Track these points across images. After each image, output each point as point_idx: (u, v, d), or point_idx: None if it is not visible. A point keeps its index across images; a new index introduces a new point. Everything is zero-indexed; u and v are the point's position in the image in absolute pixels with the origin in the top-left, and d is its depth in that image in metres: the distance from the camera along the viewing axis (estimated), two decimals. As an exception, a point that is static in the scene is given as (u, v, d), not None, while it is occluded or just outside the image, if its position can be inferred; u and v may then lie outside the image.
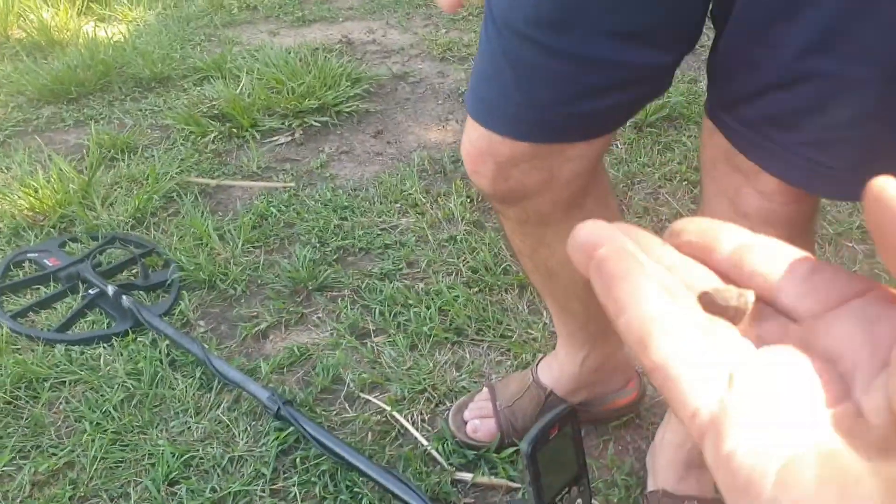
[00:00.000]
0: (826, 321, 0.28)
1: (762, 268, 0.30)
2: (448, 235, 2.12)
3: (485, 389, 1.57)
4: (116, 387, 1.72)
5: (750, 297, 0.30)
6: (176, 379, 1.73)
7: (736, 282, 0.31)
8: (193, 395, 1.69)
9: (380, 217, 2.23)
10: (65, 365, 1.78)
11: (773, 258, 0.30)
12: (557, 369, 1.49)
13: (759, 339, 0.29)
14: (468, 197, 2.26)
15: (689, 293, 0.30)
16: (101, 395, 1.70)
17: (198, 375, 1.73)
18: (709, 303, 0.30)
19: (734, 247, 0.31)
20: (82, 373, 1.76)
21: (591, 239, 0.30)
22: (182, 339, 1.78)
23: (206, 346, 1.77)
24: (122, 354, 1.80)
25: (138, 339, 1.84)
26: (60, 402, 1.70)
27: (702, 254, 0.31)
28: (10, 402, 1.70)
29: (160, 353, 1.78)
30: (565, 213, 1.16)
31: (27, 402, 1.71)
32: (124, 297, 1.90)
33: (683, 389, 0.26)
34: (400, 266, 2.03)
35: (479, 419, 1.53)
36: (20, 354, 1.81)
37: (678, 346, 0.27)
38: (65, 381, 1.75)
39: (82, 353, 1.82)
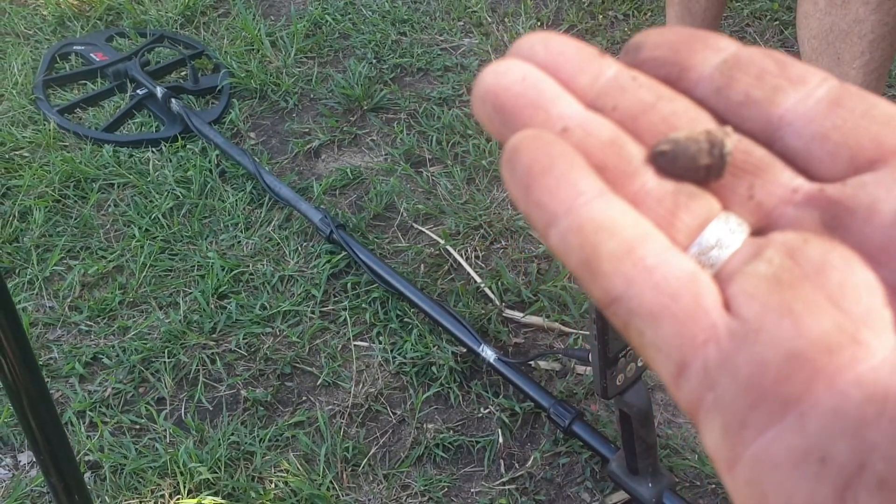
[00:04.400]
0: (864, 188, 0.20)
1: (760, 91, 0.22)
2: (513, 62, 1.98)
3: None
4: (166, 194, 1.68)
5: (728, 141, 0.21)
6: (226, 191, 1.69)
7: (721, 115, 0.22)
8: (244, 209, 1.65)
9: (441, 35, 2.09)
10: (113, 167, 1.73)
11: (778, 77, 0.21)
12: None
13: (758, 211, 0.21)
14: (538, 20, 2.10)
15: (638, 156, 0.22)
16: (150, 202, 1.67)
17: (248, 189, 1.68)
18: (667, 164, 0.21)
19: (719, 62, 0.22)
20: (131, 176, 1.71)
21: (498, 89, 0.22)
22: (233, 150, 1.72)
23: (258, 160, 1.71)
24: (170, 161, 1.75)
25: (188, 145, 1.78)
26: (109, 205, 1.67)
27: (675, 75, 0.23)
28: (58, 201, 1.68)
29: (210, 162, 1.73)
30: None
31: (76, 201, 1.68)
32: (174, 100, 1.82)
33: (660, 332, 0.19)
34: (460, 91, 1.92)
35: None
36: (68, 152, 1.77)
37: (640, 264, 0.20)
38: (113, 184, 1.71)
39: (131, 155, 1.77)
